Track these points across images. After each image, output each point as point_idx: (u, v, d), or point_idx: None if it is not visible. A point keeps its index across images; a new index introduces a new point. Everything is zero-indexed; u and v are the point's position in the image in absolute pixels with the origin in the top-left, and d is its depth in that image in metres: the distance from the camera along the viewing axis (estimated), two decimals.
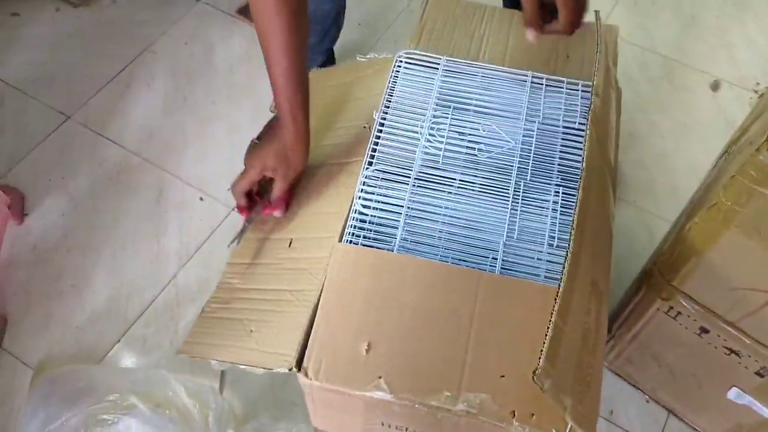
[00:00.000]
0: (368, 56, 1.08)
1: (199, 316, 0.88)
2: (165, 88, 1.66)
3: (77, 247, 1.40)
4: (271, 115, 1.54)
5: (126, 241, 1.41)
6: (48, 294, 1.34)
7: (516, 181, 0.86)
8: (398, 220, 0.83)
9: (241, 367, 0.80)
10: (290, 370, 0.74)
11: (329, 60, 1.57)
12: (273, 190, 0.90)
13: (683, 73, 1.73)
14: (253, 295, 0.87)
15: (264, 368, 0.78)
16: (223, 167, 1.52)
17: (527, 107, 0.92)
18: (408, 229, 0.83)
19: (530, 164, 0.87)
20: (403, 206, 0.84)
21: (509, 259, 0.80)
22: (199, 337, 0.86)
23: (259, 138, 1.50)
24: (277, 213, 0.91)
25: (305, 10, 0.85)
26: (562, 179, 0.87)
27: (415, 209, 0.84)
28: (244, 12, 1.80)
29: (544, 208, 0.84)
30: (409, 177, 0.86)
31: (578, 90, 0.94)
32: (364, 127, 0.95)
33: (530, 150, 0.89)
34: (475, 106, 0.92)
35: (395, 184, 0.86)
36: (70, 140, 1.56)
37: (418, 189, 0.85)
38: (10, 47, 1.72)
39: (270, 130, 0.93)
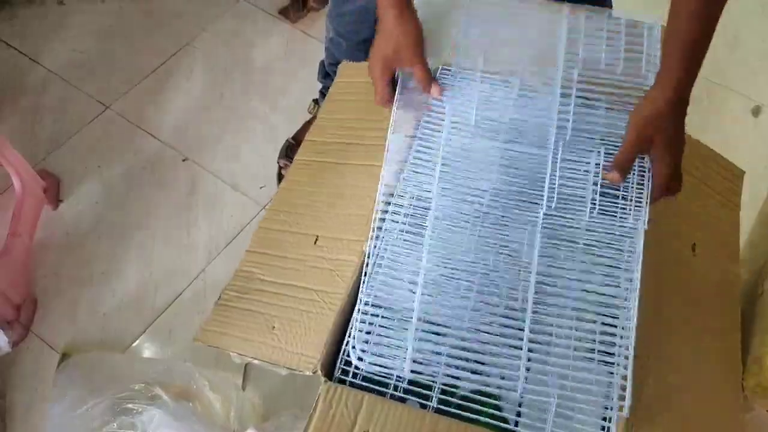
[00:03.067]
0: None
1: (216, 303, 0.87)
2: (203, 83, 1.68)
3: (109, 234, 1.42)
4: (309, 115, 1.56)
5: (157, 232, 1.42)
6: (77, 280, 1.36)
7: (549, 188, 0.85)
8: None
9: (260, 362, 0.80)
10: (314, 372, 0.75)
11: None
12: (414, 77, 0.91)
13: (724, 96, 1.70)
14: (276, 290, 0.86)
15: (288, 368, 0.78)
16: (256, 164, 1.53)
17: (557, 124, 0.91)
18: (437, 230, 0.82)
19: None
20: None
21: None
22: (217, 326, 0.84)
23: (294, 138, 1.52)
24: (434, 92, 0.92)
25: None
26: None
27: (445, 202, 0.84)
28: (285, 12, 1.81)
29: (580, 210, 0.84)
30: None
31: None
32: None
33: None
34: (509, 126, 0.92)
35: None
36: (107, 130, 1.58)
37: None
38: (54, 35, 1.75)
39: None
